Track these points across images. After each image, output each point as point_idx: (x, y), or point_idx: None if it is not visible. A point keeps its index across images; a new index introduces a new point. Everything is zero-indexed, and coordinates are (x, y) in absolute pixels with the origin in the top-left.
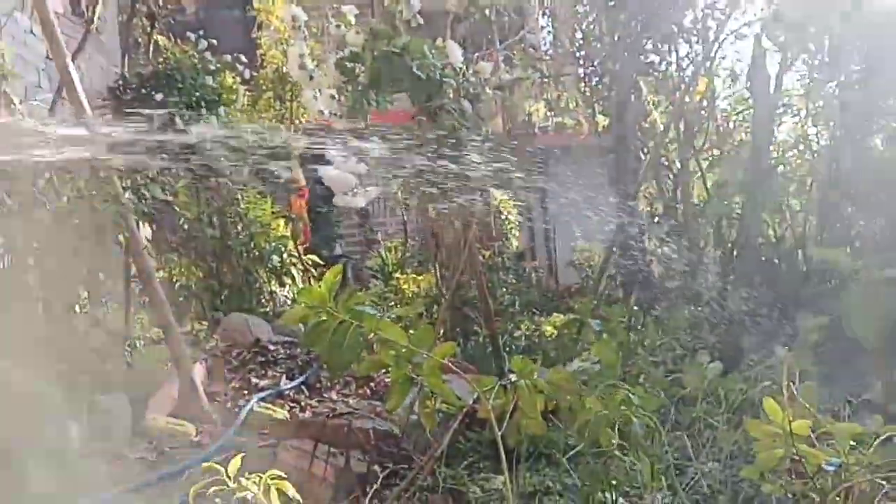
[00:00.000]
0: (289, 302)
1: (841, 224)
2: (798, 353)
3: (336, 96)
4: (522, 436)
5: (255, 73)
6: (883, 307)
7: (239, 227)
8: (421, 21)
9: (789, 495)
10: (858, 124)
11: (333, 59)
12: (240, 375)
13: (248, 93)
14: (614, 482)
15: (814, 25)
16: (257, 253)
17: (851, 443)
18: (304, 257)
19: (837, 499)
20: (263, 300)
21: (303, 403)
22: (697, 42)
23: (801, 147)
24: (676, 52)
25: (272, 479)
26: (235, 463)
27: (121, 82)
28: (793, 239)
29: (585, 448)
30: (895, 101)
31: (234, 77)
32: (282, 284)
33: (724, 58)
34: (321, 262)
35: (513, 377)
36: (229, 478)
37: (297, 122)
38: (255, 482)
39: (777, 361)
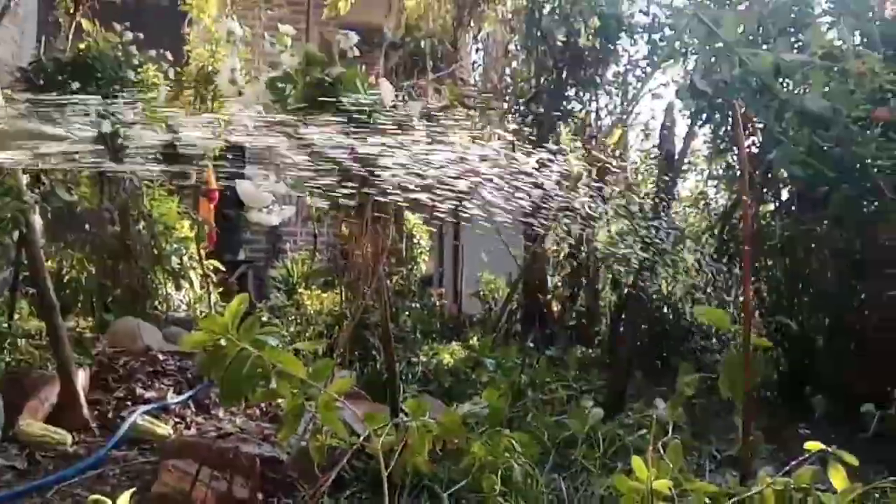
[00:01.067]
0: (183, 306)
1: (728, 283)
2: (672, 406)
3: (264, 114)
4: (408, 471)
5: (178, 70)
6: (753, 370)
7: (141, 225)
8: (357, 53)
9: None
10: (753, 194)
11: (265, 77)
12: (125, 385)
13: (169, 89)
14: None
15: (721, 98)
16: (157, 253)
17: (706, 501)
18: (205, 261)
19: None
20: (158, 303)
21: (188, 420)
22: (617, 95)
23: (701, 205)
24: (596, 101)
25: None
26: (125, 498)
27: (35, 65)
28: (682, 293)
29: (467, 486)
30: (787, 173)
31: (157, 73)
32: (178, 287)
33: (639, 114)
34: (222, 268)
35: (404, 416)
36: None
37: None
38: None
39: (657, 411)
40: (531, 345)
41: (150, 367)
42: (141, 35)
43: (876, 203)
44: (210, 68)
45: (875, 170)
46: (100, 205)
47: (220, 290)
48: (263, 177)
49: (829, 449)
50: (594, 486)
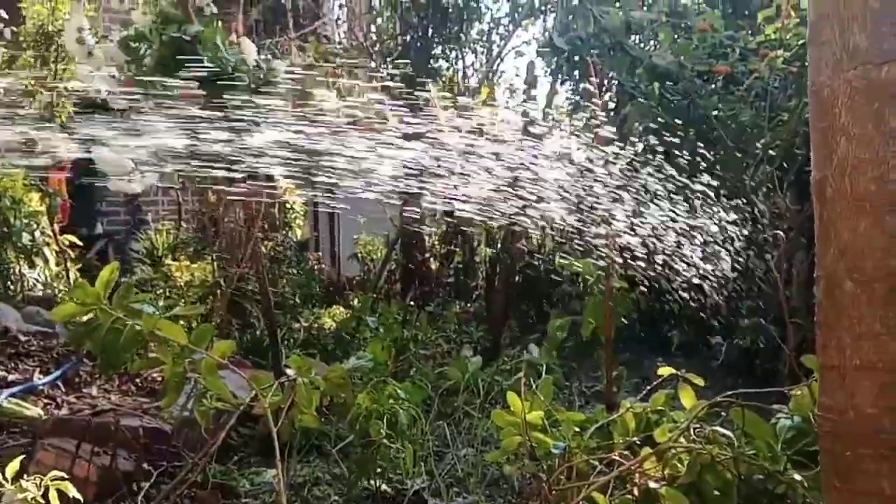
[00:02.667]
0: (39, 286)
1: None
2: (546, 349)
3: (117, 76)
4: (296, 430)
5: (14, 30)
6: (614, 311)
7: None
8: (215, 10)
9: (525, 475)
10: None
11: (115, 35)
12: None
13: (5, 50)
14: (380, 470)
15: (577, 54)
16: (6, 230)
17: (575, 429)
18: (59, 237)
19: (561, 477)
20: (11, 283)
21: (59, 400)
22: (482, 54)
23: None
24: (463, 60)
25: (53, 479)
26: (14, 465)
27: None
28: (552, 244)
29: (356, 439)
30: (641, 126)
31: None
32: (32, 266)
33: (504, 72)
34: (79, 243)
35: (290, 373)
36: (6, 479)
37: (61, 86)
38: (35, 483)
39: (530, 356)
40: (411, 303)
41: (11, 349)
42: None
43: (721, 152)
44: (50, 27)
45: (717, 120)
46: None
47: (79, 266)
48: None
49: (679, 373)
50: (476, 428)
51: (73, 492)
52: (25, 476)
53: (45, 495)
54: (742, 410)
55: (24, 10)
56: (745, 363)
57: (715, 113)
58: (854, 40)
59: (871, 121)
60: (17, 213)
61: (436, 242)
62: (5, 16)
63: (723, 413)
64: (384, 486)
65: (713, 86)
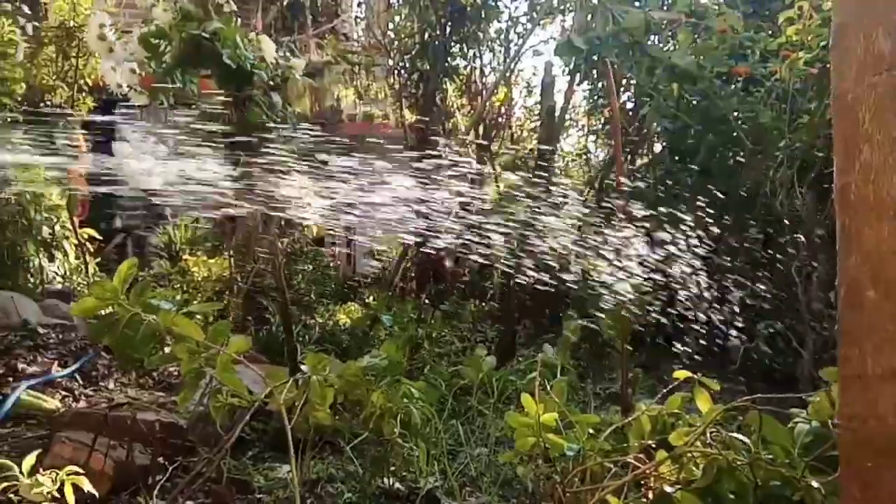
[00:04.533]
0: (59, 278)
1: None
2: (561, 351)
3: (137, 71)
4: (310, 426)
5: (37, 25)
6: (629, 314)
7: (6, 193)
8: (234, 7)
9: (538, 476)
10: (628, 146)
11: (136, 31)
12: (4, 361)
13: (28, 45)
14: (393, 468)
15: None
16: (26, 223)
17: (590, 431)
18: (79, 231)
19: (575, 479)
20: (31, 276)
21: (77, 393)
22: (500, 52)
23: (582, 160)
24: (480, 58)
25: (68, 474)
26: (30, 460)
27: None
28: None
29: (369, 437)
30: (659, 127)
31: (13, 28)
32: (52, 259)
33: (522, 70)
34: (98, 237)
35: (304, 369)
36: (23, 474)
37: (82, 82)
38: (50, 478)
39: (544, 356)
40: (426, 301)
41: (31, 342)
42: None
43: (740, 153)
44: (72, 23)
45: (737, 121)
46: None
47: (98, 260)
48: (142, 138)
49: (696, 376)
50: (490, 428)
51: (87, 486)
52: (41, 469)
53: (60, 489)
54: (759, 415)
55: (46, 5)
56: (762, 368)
57: (734, 114)
58: (878, 46)
59: (895, 126)
60: (37, 207)
61: (452, 240)
62: (28, 11)
63: (740, 417)
64: (397, 485)
65: (733, 87)
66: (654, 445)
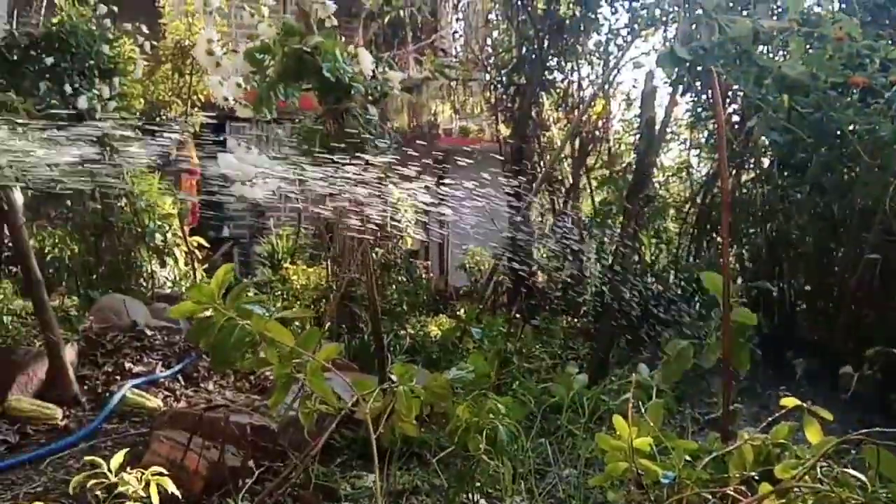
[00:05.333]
0: (168, 283)
1: (711, 251)
2: (661, 372)
3: (243, 85)
4: (396, 437)
5: (154, 44)
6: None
7: (123, 202)
8: (335, 22)
9: (630, 503)
10: (734, 160)
11: (243, 47)
12: (113, 360)
13: (146, 63)
14: (479, 484)
15: (700, 65)
16: (140, 230)
17: (687, 458)
18: (188, 238)
19: None
20: (143, 280)
21: (178, 393)
22: (599, 65)
23: (683, 175)
24: (578, 71)
25: (153, 474)
26: (118, 457)
27: (7, 40)
28: (666, 261)
29: (456, 451)
30: (768, 140)
31: (132, 46)
32: (163, 265)
33: (621, 83)
34: (207, 245)
35: (393, 378)
36: (110, 471)
37: (195, 97)
38: (135, 477)
39: (639, 376)
40: (517, 315)
41: (138, 343)
42: (115, 8)
43: (856, 168)
44: (187, 42)
45: (853, 135)
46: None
47: (206, 266)
48: (246, 149)
49: (805, 405)
50: (580, 449)
51: (171, 487)
52: (138, 465)
53: (146, 488)
54: (877, 449)
55: (164, 25)
56: (877, 397)
57: (850, 127)
58: None
59: None
60: (151, 215)
61: (544, 255)
62: (146, 31)
63: (853, 451)
64: (482, 501)
65: (849, 98)
66: (756, 478)
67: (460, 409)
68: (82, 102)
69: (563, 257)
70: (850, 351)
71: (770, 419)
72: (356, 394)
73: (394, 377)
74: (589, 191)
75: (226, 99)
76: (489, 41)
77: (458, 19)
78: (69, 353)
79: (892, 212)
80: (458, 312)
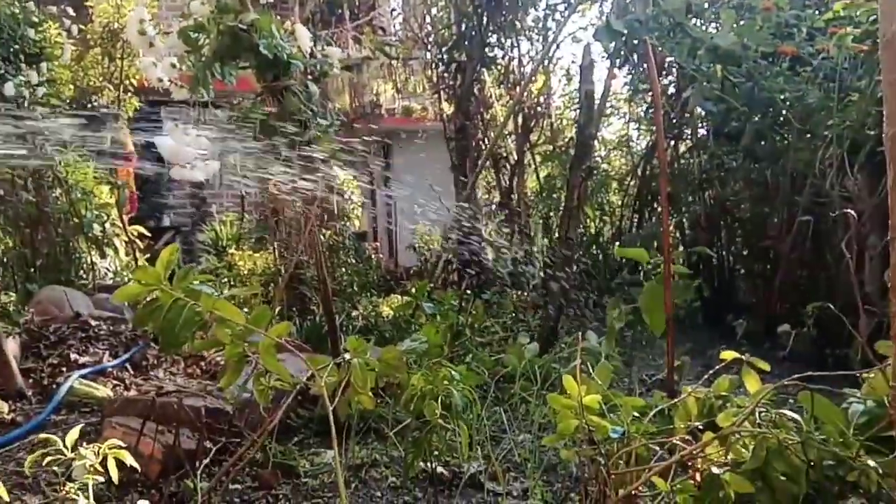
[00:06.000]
0: (110, 275)
1: (652, 221)
2: (607, 339)
3: (178, 65)
4: (353, 411)
5: (82, 28)
6: (674, 298)
7: (58, 192)
8: (271, 0)
9: (582, 460)
10: (671, 131)
11: (176, 27)
12: (58, 351)
13: (74, 47)
14: (436, 452)
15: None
16: (77, 221)
17: (635, 414)
18: (128, 227)
19: (620, 462)
20: (83, 272)
21: (128, 382)
22: (538, 41)
23: (624, 149)
24: (518, 48)
25: (110, 448)
26: (73, 434)
27: None
28: (610, 233)
29: (412, 421)
30: (703, 110)
31: (59, 30)
32: (103, 256)
33: (560, 58)
34: (148, 234)
35: (346, 356)
36: (66, 447)
37: (126, 82)
38: (93, 451)
39: (587, 343)
40: (468, 291)
41: (83, 333)
42: None
43: (787, 135)
44: (116, 24)
45: (784, 103)
46: (12, 173)
47: (147, 256)
48: (184, 131)
49: (743, 357)
50: (534, 415)
51: (130, 460)
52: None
53: (103, 464)
54: (811, 394)
55: (91, 8)
56: (814, 353)
57: (781, 95)
58: None
59: None
60: (87, 205)
61: (492, 232)
62: (73, 14)
63: (790, 400)
64: (441, 469)
65: (779, 67)
66: (701, 428)
67: (415, 378)
68: (9, 89)
69: (510, 233)
70: (786, 311)
71: (711, 371)
72: (311, 369)
73: (347, 354)
74: (533, 166)
75: (160, 81)
76: (428, 19)
77: None
78: (11, 347)
79: (821, 175)
80: (409, 292)
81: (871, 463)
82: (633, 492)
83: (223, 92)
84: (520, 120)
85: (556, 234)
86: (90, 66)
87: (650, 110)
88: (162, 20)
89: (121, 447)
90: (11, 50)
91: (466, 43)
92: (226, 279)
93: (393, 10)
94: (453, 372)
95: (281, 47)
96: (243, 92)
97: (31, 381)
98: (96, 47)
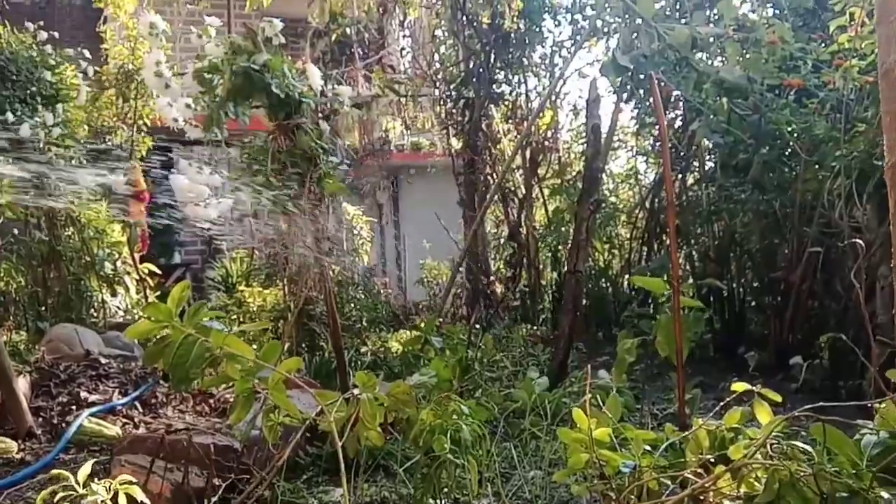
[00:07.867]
0: (121, 312)
1: (661, 253)
2: (616, 372)
3: (192, 106)
4: (362, 446)
5: (97, 69)
6: (686, 331)
7: (70, 231)
8: (283, 40)
9: (593, 495)
10: (678, 163)
11: (190, 69)
12: (68, 390)
13: (89, 89)
14: (445, 489)
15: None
16: (89, 259)
17: (646, 448)
18: (139, 265)
19: (632, 496)
20: (94, 310)
21: (137, 420)
22: (545, 76)
23: (632, 181)
24: (525, 83)
25: (121, 484)
26: (85, 469)
27: None
28: (619, 266)
29: (420, 458)
30: (710, 143)
31: (75, 72)
32: (114, 294)
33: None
34: (158, 272)
35: (356, 391)
36: (78, 483)
37: (140, 122)
38: (104, 487)
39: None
40: (477, 325)
41: (93, 371)
42: (56, 34)
43: (795, 166)
44: (130, 66)
45: (791, 134)
46: (26, 212)
47: (158, 294)
48: (197, 169)
49: (755, 388)
50: (544, 451)
51: (141, 496)
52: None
53: (114, 500)
54: (823, 425)
55: (107, 50)
56: (827, 385)
57: (788, 127)
58: None
59: None
60: (100, 244)
61: (501, 266)
62: (89, 55)
63: (803, 432)
64: None
65: (785, 99)
66: (713, 461)
67: (424, 412)
68: (25, 130)
69: (519, 266)
70: (798, 342)
71: (722, 403)
72: (320, 404)
73: (356, 389)
74: (541, 200)
75: (175, 120)
76: (436, 56)
77: (404, 36)
78: (22, 385)
79: (830, 206)
80: (418, 325)
81: (885, 495)
82: None
83: (236, 131)
84: (528, 154)
85: (565, 268)
86: (104, 106)
87: (657, 143)
88: (176, 62)
89: (131, 482)
90: (28, 92)
91: (474, 80)
92: (235, 316)
93: (402, 48)
94: (462, 406)
95: (292, 87)
96: (256, 131)
97: (41, 419)
98: (110, 88)
